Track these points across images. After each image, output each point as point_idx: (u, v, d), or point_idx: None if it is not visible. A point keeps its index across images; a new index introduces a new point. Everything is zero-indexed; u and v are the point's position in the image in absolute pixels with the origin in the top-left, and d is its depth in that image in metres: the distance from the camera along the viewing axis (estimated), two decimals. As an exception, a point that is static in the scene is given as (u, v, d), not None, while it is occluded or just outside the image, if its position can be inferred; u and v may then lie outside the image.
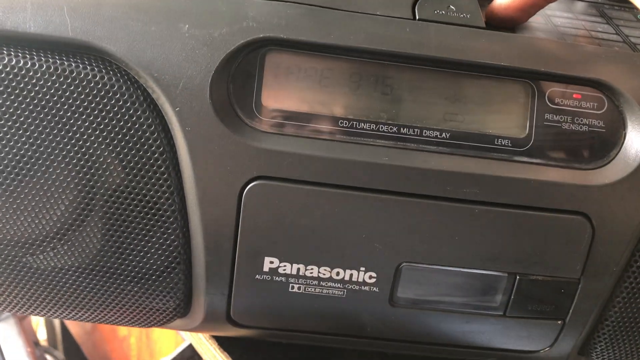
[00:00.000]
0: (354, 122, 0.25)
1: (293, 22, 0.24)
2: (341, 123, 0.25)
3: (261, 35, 0.24)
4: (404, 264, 0.26)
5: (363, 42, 0.24)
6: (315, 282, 0.26)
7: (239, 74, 0.25)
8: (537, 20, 0.30)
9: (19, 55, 0.24)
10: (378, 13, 0.25)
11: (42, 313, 0.30)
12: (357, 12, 0.25)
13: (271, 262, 0.26)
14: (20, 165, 0.25)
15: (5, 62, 0.24)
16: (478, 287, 0.27)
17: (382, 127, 0.25)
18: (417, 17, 0.26)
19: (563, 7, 0.33)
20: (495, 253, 0.26)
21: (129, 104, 0.24)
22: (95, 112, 0.24)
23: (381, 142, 0.25)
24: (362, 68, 0.25)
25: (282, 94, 0.25)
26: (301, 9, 0.25)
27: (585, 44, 0.27)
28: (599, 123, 0.26)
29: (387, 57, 0.25)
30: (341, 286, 0.26)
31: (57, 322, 0.79)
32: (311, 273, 0.26)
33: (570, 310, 0.27)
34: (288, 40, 0.24)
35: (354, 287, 0.26)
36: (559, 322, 0.28)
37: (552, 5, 0.32)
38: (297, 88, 0.25)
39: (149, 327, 0.30)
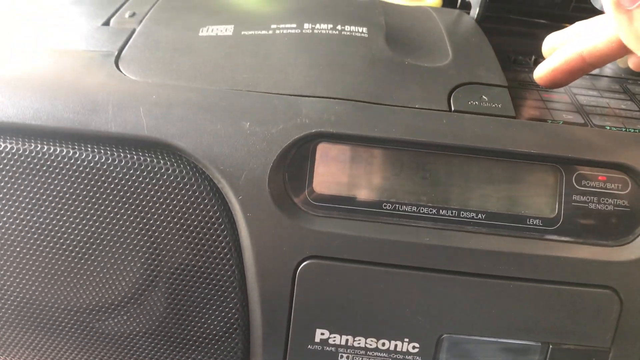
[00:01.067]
0: (397, 205, 0.28)
1: (341, 117, 0.27)
2: (385, 206, 0.28)
3: (313, 131, 0.27)
4: (445, 335, 0.28)
5: (404, 134, 0.27)
6: (363, 352, 0.29)
7: (293, 164, 0.27)
8: (564, 99, 0.32)
9: (101, 152, 0.27)
10: (417, 106, 0.28)
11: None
12: (398, 106, 0.28)
13: (322, 334, 0.28)
14: (93, 241, 0.29)
15: (89, 158, 0.27)
16: (514, 355, 0.29)
17: (422, 209, 0.28)
18: (452, 109, 0.28)
19: (587, 83, 0.35)
20: (529, 324, 0.28)
21: (197, 193, 0.27)
22: (167, 200, 0.27)
23: (422, 223, 0.28)
24: (403, 156, 0.28)
25: (331, 181, 0.28)
26: (348, 104, 0.28)
27: (609, 124, 0.30)
28: (623, 202, 0.28)
29: (427, 146, 0.28)
30: (387, 356, 0.29)
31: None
32: (359, 344, 0.28)
33: (603, 378, 0.29)
34: (337, 134, 0.27)
35: (398, 356, 0.29)
36: (592, 389, 0.29)
37: (576, 82, 0.35)
38: (345, 175, 0.28)
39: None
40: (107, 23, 0.34)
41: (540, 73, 0.30)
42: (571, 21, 0.33)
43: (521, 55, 0.37)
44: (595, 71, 0.37)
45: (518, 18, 0.44)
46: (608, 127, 0.30)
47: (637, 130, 0.30)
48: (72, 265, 0.30)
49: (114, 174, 0.27)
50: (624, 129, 0.30)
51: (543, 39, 0.32)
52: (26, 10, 0.37)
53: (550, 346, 0.29)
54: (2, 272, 0.30)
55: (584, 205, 0.28)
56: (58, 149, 0.27)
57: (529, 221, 0.28)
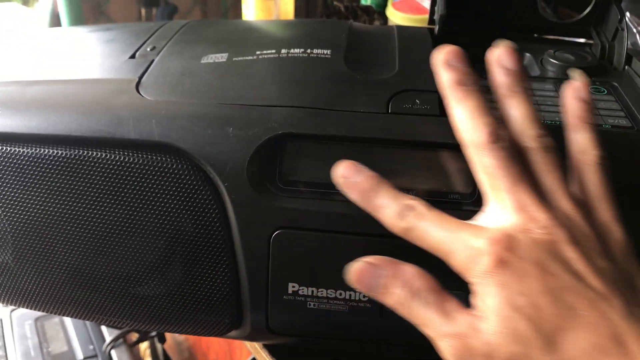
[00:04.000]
0: (347, 187, 0.36)
1: (300, 121, 0.36)
2: (337, 188, 0.36)
3: (280, 132, 0.36)
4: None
5: (348, 132, 0.36)
6: (325, 300, 0.37)
7: (266, 158, 0.36)
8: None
9: (125, 154, 0.37)
10: (361, 110, 0.37)
11: (140, 327, 0.43)
12: (345, 111, 0.37)
13: (293, 287, 0.37)
14: (123, 223, 0.38)
15: (117, 159, 0.37)
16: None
17: (367, 190, 0.36)
18: (389, 111, 0.37)
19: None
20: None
21: (195, 183, 0.36)
22: (173, 189, 0.36)
23: (366, 200, 0.36)
24: (349, 149, 0.36)
25: (297, 170, 0.37)
26: (307, 111, 0.36)
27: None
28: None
29: (367, 141, 0.36)
30: (344, 303, 0.37)
31: (160, 349, 0.93)
32: (322, 294, 0.37)
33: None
34: (297, 134, 0.36)
35: (352, 303, 0.37)
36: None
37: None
38: (306, 165, 0.37)
39: (214, 336, 0.41)
40: (133, 56, 0.44)
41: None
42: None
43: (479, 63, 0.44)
44: (536, 72, 0.44)
45: (482, 31, 0.51)
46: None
47: (553, 122, 0.37)
48: (109, 241, 0.39)
49: (134, 171, 0.37)
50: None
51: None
52: (72, 48, 0.47)
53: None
54: (62, 249, 0.40)
55: (495, 183, 0.36)
56: (93, 153, 0.37)
57: (450, 196, 0.36)
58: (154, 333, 0.86)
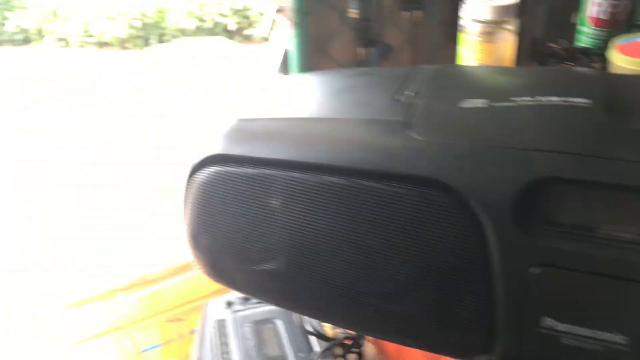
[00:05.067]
0: (611, 232, 0.38)
1: (566, 166, 0.38)
2: (600, 232, 0.38)
3: (544, 175, 0.38)
4: (648, 332, 0.37)
5: (615, 180, 0.37)
6: (581, 338, 0.39)
7: (530, 199, 0.39)
8: None
9: (394, 186, 0.42)
10: (629, 159, 0.38)
11: (385, 338, 0.48)
12: (613, 159, 0.38)
13: (549, 321, 0.39)
14: (385, 247, 0.43)
15: (388, 190, 0.42)
16: None
17: (630, 237, 0.37)
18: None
19: None
20: None
21: (459, 216, 0.40)
22: (438, 221, 0.41)
23: (630, 246, 0.37)
24: (614, 197, 0.38)
25: (559, 212, 0.39)
26: (571, 157, 0.39)
27: None
28: None
29: (634, 190, 0.37)
30: (600, 344, 0.38)
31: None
32: (578, 332, 0.39)
33: None
34: (563, 178, 0.38)
35: (609, 345, 0.38)
36: None
37: None
38: (570, 208, 0.39)
39: (461, 358, 0.45)
40: (395, 99, 0.50)
41: None
42: None
43: None
44: None
45: None
46: None
47: None
48: (372, 261, 0.45)
49: (404, 201, 0.42)
50: None
51: None
52: (337, 89, 0.55)
53: None
54: (330, 264, 0.46)
55: None
56: (369, 183, 0.43)
57: None
58: (356, 348, 0.92)
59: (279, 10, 1.02)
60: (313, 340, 0.95)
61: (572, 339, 0.39)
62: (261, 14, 4.66)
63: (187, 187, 0.52)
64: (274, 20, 1.08)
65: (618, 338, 0.38)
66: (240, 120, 0.52)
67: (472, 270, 0.41)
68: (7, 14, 4.70)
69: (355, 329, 0.49)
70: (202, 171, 0.50)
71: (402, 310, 0.45)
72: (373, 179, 0.43)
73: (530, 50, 1.07)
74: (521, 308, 0.40)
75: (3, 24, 4.70)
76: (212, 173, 0.49)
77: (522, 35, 1.22)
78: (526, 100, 0.45)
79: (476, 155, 0.41)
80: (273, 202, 0.47)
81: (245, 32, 4.60)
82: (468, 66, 0.69)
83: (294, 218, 0.46)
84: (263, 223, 0.48)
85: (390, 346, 0.88)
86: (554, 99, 0.45)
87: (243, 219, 0.49)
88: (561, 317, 0.39)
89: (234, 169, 0.47)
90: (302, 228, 0.46)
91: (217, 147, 0.50)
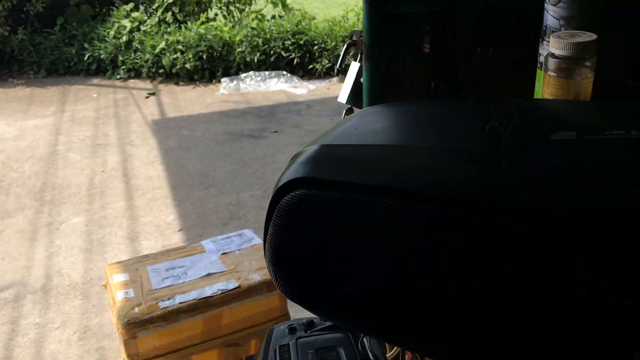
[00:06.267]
0: None
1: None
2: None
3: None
4: None
5: None
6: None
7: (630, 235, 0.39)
8: None
9: (492, 220, 0.42)
10: None
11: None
12: None
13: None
14: (486, 279, 0.43)
15: (476, 219, 0.42)
16: None
17: None
18: None
19: None
20: None
21: (558, 246, 0.40)
22: (539, 251, 0.41)
23: None
24: None
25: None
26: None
27: None
28: None
29: None
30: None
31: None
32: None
33: None
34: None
35: None
36: None
37: None
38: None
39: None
40: (483, 129, 0.51)
41: None
42: None
43: None
44: None
45: None
46: None
47: None
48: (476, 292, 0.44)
49: (501, 233, 0.41)
50: None
51: None
52: (428, 119, 0.56)
53: None
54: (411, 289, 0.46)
55: None
56: (456, 213, 0.43)
57: None
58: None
59: (352, 44, 1.05)
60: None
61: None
62: (323, 49, 4.74)
63: (270, 210, 0.54)
64: (346, 53, 1.11)
65: None
66: (324, 145, 0.54)
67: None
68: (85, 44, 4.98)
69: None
70: (287, 195, 0.51)
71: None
72: (459, 209, 0.43)
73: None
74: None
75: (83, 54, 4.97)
76: (299, 196, 0.50)
77: (597, 74, 1.21)
78: (618, 133, 0.45)
79: (574, 187, 0.41)
80: (360, 226, 0.48)
81: (309, 66, 4.69)
82: (554, 100, 0.69)
83: (382, 244, 0.47)
84: (351, 247, 0.49)
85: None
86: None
87: (330, 243, 0.49)
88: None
89: (322, 192, 0.48)
90: (389, 253, 0.47)
91: (304, 171, 0.51)
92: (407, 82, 1.06)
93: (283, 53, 4.82)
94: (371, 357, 0.92)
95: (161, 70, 4.93)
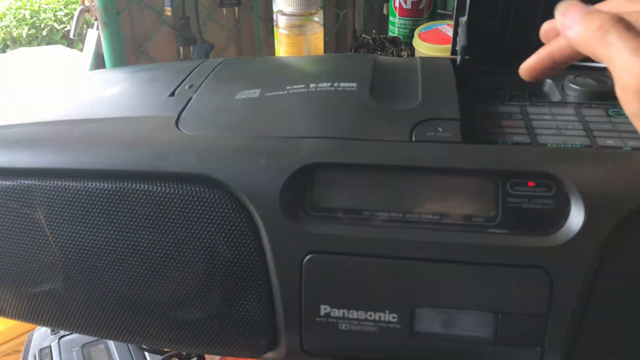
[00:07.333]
0: (374, 211, 0.38)
1: (329, 151, 0.38)
2: (364, 213, 0.38)
3: (309, 162, 0.38)
4: (416, 307, 0.38)
5: (375, 160, 0.38)
6: (356, 321, 0.39)
7: (297, 187, 0.38)
8: (519, 124, 0.41)
9: (166, 186, 0.39)
10: (387, 139, 0.39)
11: (180, 348, 0.45)
12: (371, 140, 0.39)
13: (325, 309, 0.39)
14: (165, 250, 0.41)
15: (157, 190, 0.39)
16: (472, 322, 0.38)
17: (392, 214, 0.38)
18: (413, 139, 0.39)
19: (545, 110, 0.44)
20: (482, 297, 0.37)
21: (231, 211, 0.39)
22: (211, 219, 0.39)
23: (391, 224, 0.38)
24: (377, 176, 0.38)
25: (326, 197, 0.39)
26: (334, 142, 0.39)
27: (551, 142, 0.39)
28: (549, 202, 0.37)
29: (395, 168, 0.38)
30: (374, 324, 0.39)
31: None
32: (352, 315, 0.39)
33: (545, 339, 0.37)
34: (325, 163, 0.38)
35: (382, 324, 0.38)
36: (538, 348, 0.38)
37: (534, 109, 0.43)
38: (336, 192, 0.39)
39: (252, 357, 0.43)
40: (172, 94, 0.47)
41: (521, 70, 0.38)
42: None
43: (519, 90, 0.46)
44: (557, 97, 0.46)
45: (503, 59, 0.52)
46: (550, 144, 0.39)
47: (573, 146, 0.39)
48: (152, 269, 0.42)
49: (174, 201, 0.39)
50: (562, 145, 0.38)
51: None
52: (117, 88, 0.51)
53: (500, 314, 0.37)
54: (108, 276, 0.43)
55: (517, 206, 0.37)
56: (136, 185, 0.40)
57: (474, 219, 0.37)
58: (194, 358, 0.89)
59: (85, 10, 0.95)
60: (148, 355, 0.89)
61: (348, 323, 0.39)
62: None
63: None
64: (83, 21, 1.01)
65: (390, 317, 0.38)
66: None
67: (250, 268, 0.40)
68: None
69: (148, 343, 0.45)
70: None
71: (192, 316, 0.43)
72: (139, 181, 0.40)
73: (350, 42, 1.10)
74: (297, 300, 0.39)
75: None
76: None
77: (343, 28, 1.26)
78: (298, 88, 0.45)
79: (241, 147, 0.39)
80: (37, 215, 0.42)
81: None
82: (256, 58, 0.68)
83: (62, 231, 0.42)
84: (31, 240, 0.43)
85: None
86: (324, 85, 0.45)
87: (8, 238, 0.43)
88: (335, 303, 0.39)
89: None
90: (72, 241, 0.42)
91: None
92: (153, 48, 0.99)
93: (57, 25, 4.38)
94: (144, 346, 0.86)
95: None
